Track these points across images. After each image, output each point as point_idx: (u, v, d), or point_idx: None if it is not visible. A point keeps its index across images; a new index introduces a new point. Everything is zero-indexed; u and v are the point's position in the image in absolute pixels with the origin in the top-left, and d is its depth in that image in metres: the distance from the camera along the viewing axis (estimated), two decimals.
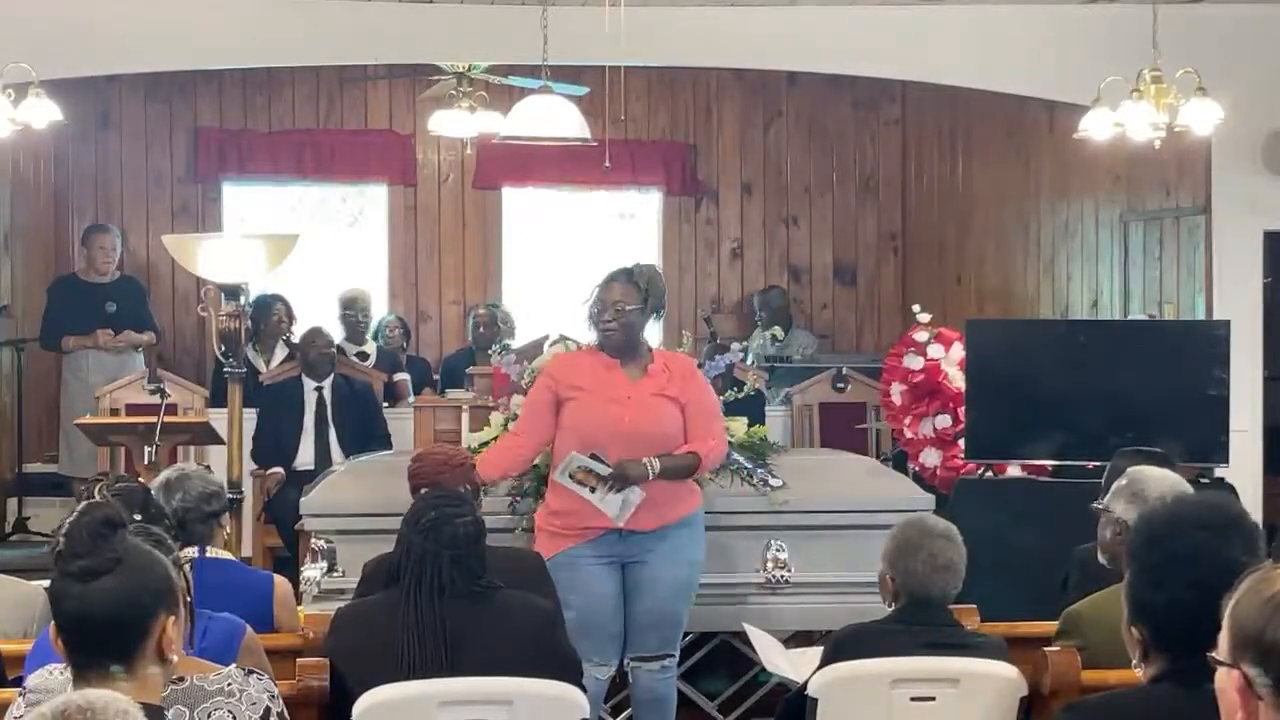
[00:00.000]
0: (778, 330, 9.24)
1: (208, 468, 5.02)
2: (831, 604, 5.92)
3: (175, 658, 2.82)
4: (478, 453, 5.96)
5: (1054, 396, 7.31)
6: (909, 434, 8.01)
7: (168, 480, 4.67)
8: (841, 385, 9.59)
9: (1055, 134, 9.90)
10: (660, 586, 5.42)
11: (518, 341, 9.40)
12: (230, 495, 6.03)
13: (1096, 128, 7.69)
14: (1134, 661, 2.93)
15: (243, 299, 6.42)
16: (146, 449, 6.87)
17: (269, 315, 9.79)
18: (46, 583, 2.91)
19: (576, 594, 5.21)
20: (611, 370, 5.46)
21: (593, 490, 5.34)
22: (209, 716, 2.94)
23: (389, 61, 9.97)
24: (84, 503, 2.94)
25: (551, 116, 8.03)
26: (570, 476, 5.37)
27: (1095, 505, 4.63)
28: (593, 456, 5.34)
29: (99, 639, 2.74)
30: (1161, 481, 4.41)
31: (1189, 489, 4.43)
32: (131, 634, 2.75)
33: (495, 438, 6.11)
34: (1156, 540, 2.92)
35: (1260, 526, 3.00)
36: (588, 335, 5.63)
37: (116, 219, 11.19)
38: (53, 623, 2.81)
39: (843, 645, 4.26)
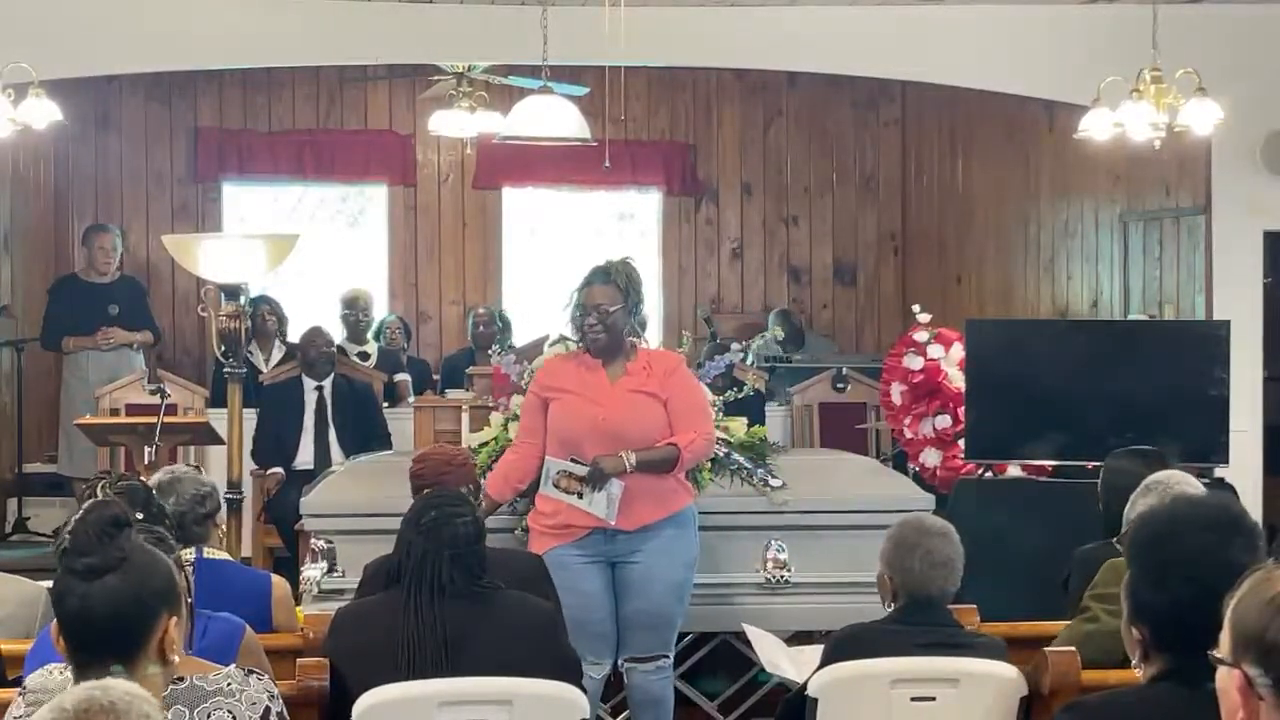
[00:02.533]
0: (778, 330, 9.26)
1: (198, 468, 5.01)
2: (831, 604, 5.91)
3: (176, 658, 2.82)
4: (478, 453, 5.97)
5: (1054, 396, 7.31)
6: (909, 434, 8.00)
7: (159, 484, 4.65)
8: (841, 385, 9.59)
9: (1055, 134, 9.90)
10: (652, 586, 5.41)
11: (517, 342, 9.41)
12: (230, 495, 6.05)
13: (1096, 128, 7.69)
14: (1134, 661, 2.93)
15: (243, 299, 6.42)
16: (146, 449, 6.87)
17: (255, 316, 9.76)
18: (50, 583, 2.91)
19: (565, 593, 5.21)
20: (594, 371, 5.47)
21: (579, 496, 5.35)
22: (209, 716, 2.94)
23: (389, 61, 9.97)
24: (90, 500, 2.94)
25: (551, 116, 8.02)
26: (555, 486, 5.38)
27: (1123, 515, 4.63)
28: (572, 460, 5.36)
29: (101, 637, 2.74)
30: (1167, 475, 4.46)
31: (1190, 479, 4.45)
32: (133, 633, 2.75)
33: (495, 438, 6.11)
34: (1158, 540, 2.92)
35: (1260, 526, 3.00)
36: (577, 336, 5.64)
37: (116, 219, 11.19)
38: (55, 621, 2.81)
39: (842, 646, 4.25)
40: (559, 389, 5.47)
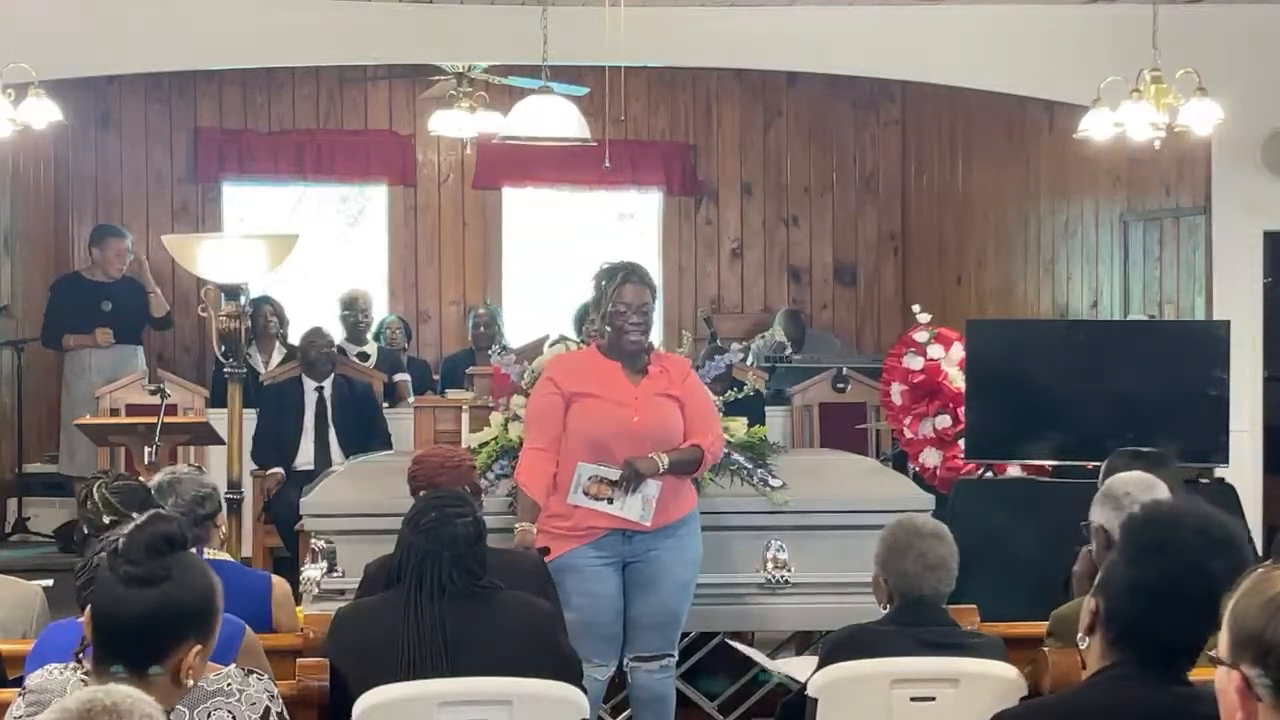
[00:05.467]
0: (778, 330, 9.28)
1: (199, 468, 5.00)
2: (831, 604, 5.91)
3: (190, 682, 2.82)
4: (478, 453, 5.96)
5: (1054, 396, 7.31)
6: (909, 434, 8.00)
7: (159, 485, 4.66)
8: (841, 385, 9.59)
9: (1055, 134, 9.90)
10: (664, 585, 5.42)
11: (509, 340, 9.42)
12: (230, 495, 6.05)
13: (1096, 128, 7.69)
14: (1080, 633, 2.94)
15: (243, 299, 6.42)
16: (146, 449, 6.86)
17: (257, 316, 9.76)
18: (48, 582, 2.92)
19: (579, 595, 5.21)
20: (614, 371, 5.46)
21: (610, 501, 5.32)
22: (209, 716, 2.94)
23: (389, 61, 9.97)
24: (150, 512, 2.94)
25: (551, 116, 8.02)
26: (584, 493, 5.34)
27: (1083, 524, 4.62)
28: (601, 465, 5.34)
29: (119, 641, 2.75)
30: (1129, 482, 4.44)
31: (1160, 485, 4.43)
32: (152, 650, 2.76)
33: (495, 438, 6.10)
34: (1151, 524, 2.96)
35: (1254, 560, 3.00)
36: (592, 335, 5.62)
37: (116, 219, 11.18)
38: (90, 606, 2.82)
39: (838, 647, 4.25)
40: (582, 391, 5.42)
